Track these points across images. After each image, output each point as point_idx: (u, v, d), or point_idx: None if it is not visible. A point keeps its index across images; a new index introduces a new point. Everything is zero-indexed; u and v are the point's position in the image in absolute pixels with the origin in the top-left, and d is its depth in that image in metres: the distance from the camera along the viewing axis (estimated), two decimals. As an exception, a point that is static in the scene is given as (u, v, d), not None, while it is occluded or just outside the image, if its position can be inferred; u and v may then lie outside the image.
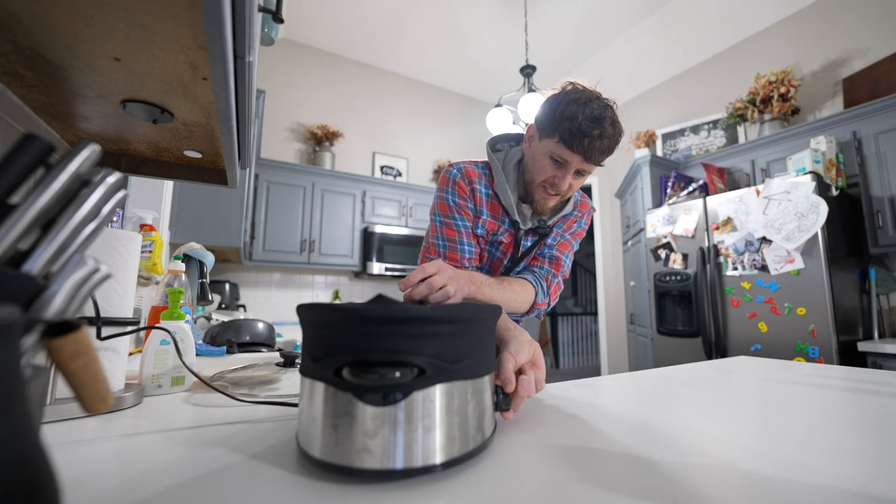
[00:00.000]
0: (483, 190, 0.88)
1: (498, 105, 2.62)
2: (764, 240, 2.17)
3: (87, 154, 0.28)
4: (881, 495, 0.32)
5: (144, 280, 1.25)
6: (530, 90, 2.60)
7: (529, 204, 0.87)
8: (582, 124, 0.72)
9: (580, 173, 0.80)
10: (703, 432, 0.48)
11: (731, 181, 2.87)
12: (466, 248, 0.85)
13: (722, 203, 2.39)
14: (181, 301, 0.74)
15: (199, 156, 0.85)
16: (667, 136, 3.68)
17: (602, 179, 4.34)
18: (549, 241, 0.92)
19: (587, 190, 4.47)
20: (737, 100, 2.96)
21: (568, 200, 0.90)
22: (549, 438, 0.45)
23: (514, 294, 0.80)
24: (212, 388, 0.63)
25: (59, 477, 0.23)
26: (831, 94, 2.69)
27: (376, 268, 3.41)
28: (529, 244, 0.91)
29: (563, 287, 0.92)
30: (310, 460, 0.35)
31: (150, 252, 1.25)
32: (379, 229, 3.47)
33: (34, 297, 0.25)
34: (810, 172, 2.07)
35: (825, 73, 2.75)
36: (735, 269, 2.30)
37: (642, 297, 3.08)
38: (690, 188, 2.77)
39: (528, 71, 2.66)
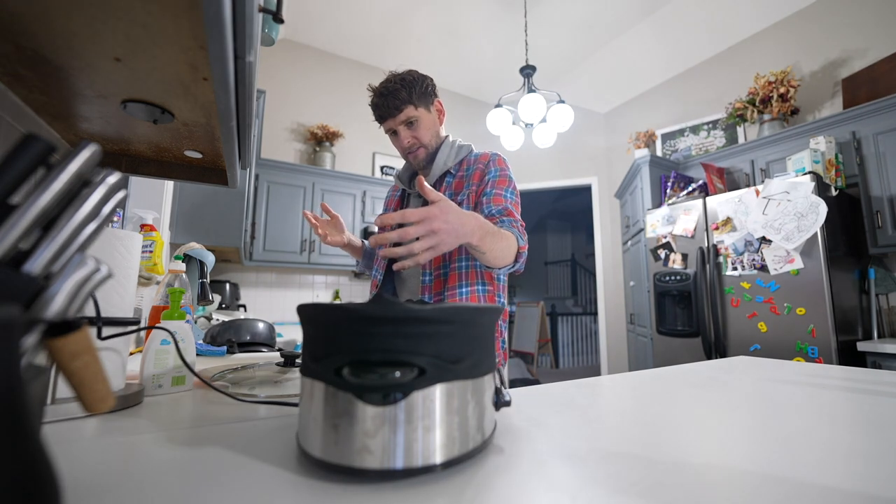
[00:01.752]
0: (390, 193, 1.21)
1: (498, 105, 2.62)
2: (763, 240, 2.17)
3: (88, 154, 0.28)
4: (881, 495, 0.32)
5: (145, 280, 1.26)
6: (530, 90, 2.60)
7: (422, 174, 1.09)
8: (372, 101, 0.99)
9: (409, 125, 0.99)
10: (702, 432, 0.48)
11: (731, 181, 2.87)
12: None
13: (721, 203, 2.39)
14: (181, 301, 0.74)
15: (200, 156, 0.85)
16: (666, 136, 3.68)
17: (602, 179, 4.35)
18: (460, 197, 1.01)
19: (587, 189, 4.50)
20: (736, 100, 2.96)
21: (434, 156, 1.04)
22: (549, 438, 0.45)
23: (507, 242, 0.86)
24: (212, 387, 0.63)
25: (60, 477, 0.23)
26: (831, 95, 2.69)
27: (376, 268, 3.41)
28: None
29: (526, 234, 0.97)
30: (310, 460, 0.35)
31: (151, 252, 1.25)
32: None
33: (35, 296, 0.25)
34: (810, 172, 2.07)
35: (825, 74, 2.75)
36: (734, 269, 2.30)
37: (642, 296, 3.08)
38: (690, 188, 2.77)
39: (527, 71, 2.66)
